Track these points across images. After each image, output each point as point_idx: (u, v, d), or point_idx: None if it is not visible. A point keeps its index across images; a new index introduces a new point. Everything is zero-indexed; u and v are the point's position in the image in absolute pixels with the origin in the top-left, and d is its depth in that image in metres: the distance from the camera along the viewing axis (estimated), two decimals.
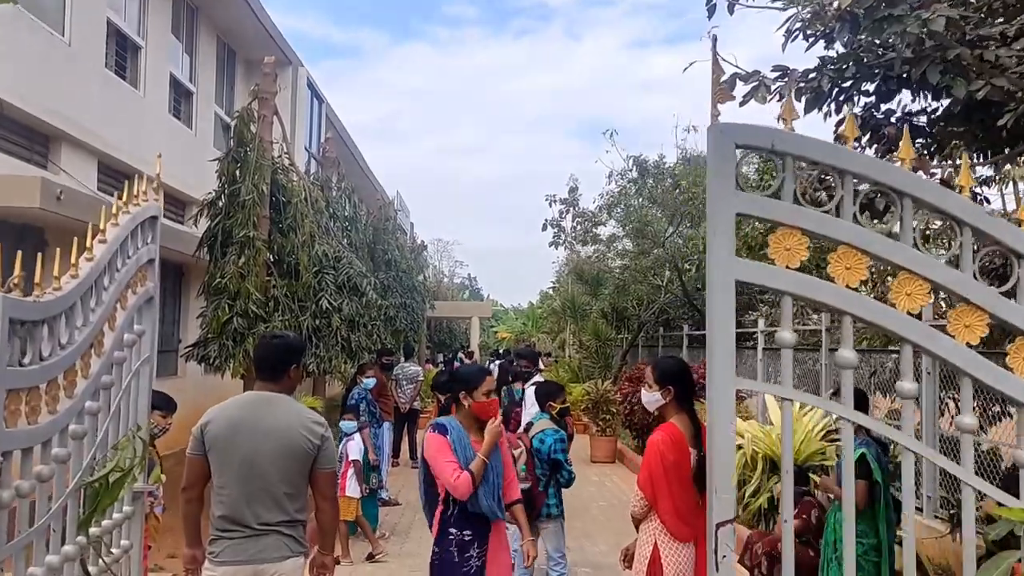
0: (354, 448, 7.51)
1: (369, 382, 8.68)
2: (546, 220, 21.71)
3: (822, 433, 9.07)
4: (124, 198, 3.02)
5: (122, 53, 10.57)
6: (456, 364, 26.47)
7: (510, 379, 13.08)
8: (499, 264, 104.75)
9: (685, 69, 4.65)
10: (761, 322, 13.12)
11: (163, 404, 4.48)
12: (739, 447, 9.11)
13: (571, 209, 21.29)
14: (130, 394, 3.11)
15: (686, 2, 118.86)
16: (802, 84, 4.31)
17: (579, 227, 20.99)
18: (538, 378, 7.65)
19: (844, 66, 4.31)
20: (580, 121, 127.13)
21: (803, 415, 9.41)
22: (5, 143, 8.08)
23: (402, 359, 13.29)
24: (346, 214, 12.90)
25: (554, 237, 22.11)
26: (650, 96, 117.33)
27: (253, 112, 9.37)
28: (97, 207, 8.47)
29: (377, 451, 8.80)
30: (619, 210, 19.24)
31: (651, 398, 3.81)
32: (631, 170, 18.67)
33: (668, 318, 20.47)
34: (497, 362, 22.68)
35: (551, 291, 39.48)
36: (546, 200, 21.04)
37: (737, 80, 4.32)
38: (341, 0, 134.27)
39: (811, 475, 7.38)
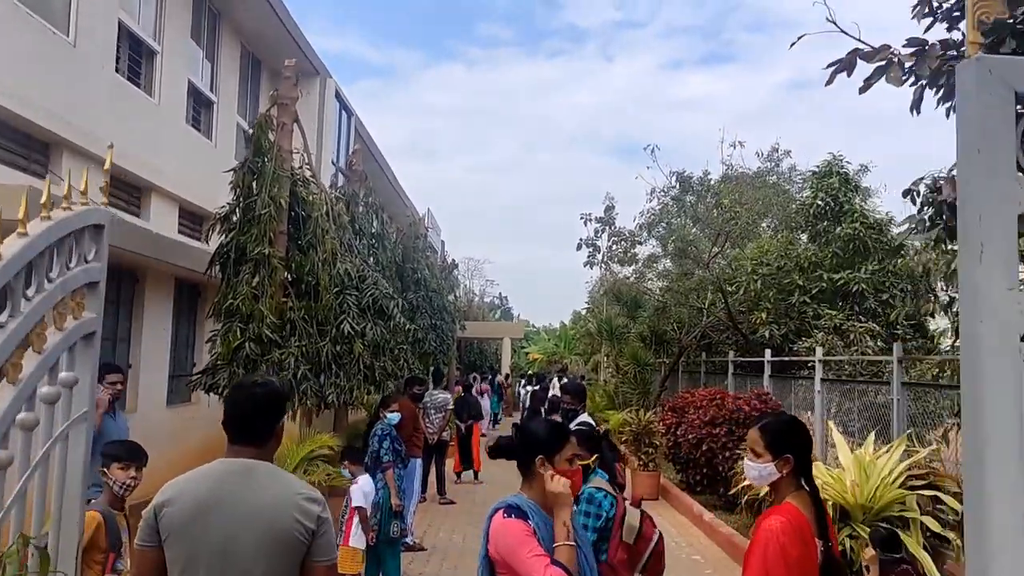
0: (357, 493, 6.58)
1: (393, 417, 7.75)
2: (581, 239, 20.99)
3: (900, 479, 8.06)
4: (44, 199, 2.16)
5: (136, 57, 9.87)
6: (482, 386, 25.51)
7: (545, 410, 12.17)
8: (531, 283, 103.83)
9: (792, 44, 3.75)
10: (819, 350, 12.04)
11: (122, 453, 3.59)
12: None
13: (607, 228, 20.51)
14: (53, 467, 2.25)
15: (719, 24, 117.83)
16: (941, 64, 3.37)
17: (615, 247, 20.16)
18: (584, 418, 6.67)
19: (997, 39, 3.36)
20: (613, 141, 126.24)
21: (876, 456, 8.39)
22: None
23: (431, 386, 12.38)
24: (373, 231, 12.10)
25: (589, 257, 21.35)
26: (684, 116, 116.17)
27: (272, 119, 8.62)
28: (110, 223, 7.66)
29: (402, 493, 7.88)
30: (660, 228, 18.30)
31: (762, 471, 2.85)
32: (674, 186, 17.70)
33: (710, 342, 19.45)
34: (530, 388, 21.76)
35: (584, 312, 38.48)
36: (581, 219, 20.28)
37: (858, 59, 3.39)
38: (376, 21, 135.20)
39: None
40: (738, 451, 10.94)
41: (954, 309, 8.94)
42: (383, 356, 9.29)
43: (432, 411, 11.60)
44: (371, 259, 11.23)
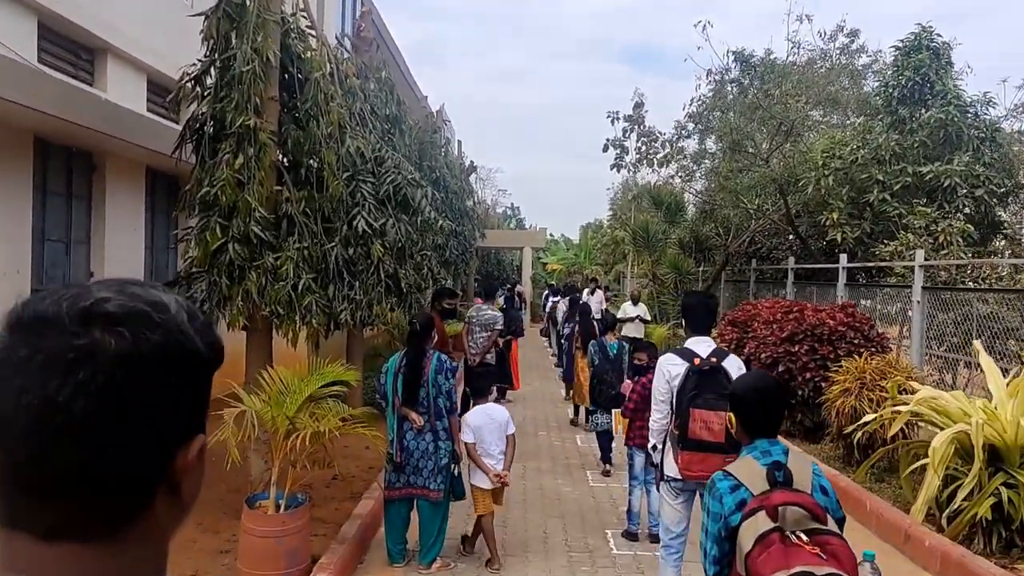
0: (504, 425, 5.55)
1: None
2: (607, 140, 18.99)
3: None
4: None
5: None
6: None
7: (595, 326, 10.28)
8: (541, 193, 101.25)
9: None
10: (919, 253, 10.02)
11: None
12: (950, 430, 6.29)
13: (636, 128, 18.40)
14: None
15: None
16: None
17: (645, 147, 18.05)
18: (735, 362, 4.64)
19: None
20: (627, 45, 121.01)
21: None
22: None
23: (482, 300, 10.77)
24: (388, 112, 9.95)
25: (616, 159, 19.34)
26: (701, 19, 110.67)
27: None
28: (34, 80, 5.57)
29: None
30: (712, 118, 15.97)
31: None
32: (731, 68, 15.31)
33: (759, 249, 17.48)
34: (560, 299, 19.82)
35: (608, 220, 36.35)
36: (608, 117, 18.18)
37: None
38: None
39: None
40: (822, 372, 9.19)
41: None
42: (407, 261, 7.36)
43: (477, 328, 9.88)
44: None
